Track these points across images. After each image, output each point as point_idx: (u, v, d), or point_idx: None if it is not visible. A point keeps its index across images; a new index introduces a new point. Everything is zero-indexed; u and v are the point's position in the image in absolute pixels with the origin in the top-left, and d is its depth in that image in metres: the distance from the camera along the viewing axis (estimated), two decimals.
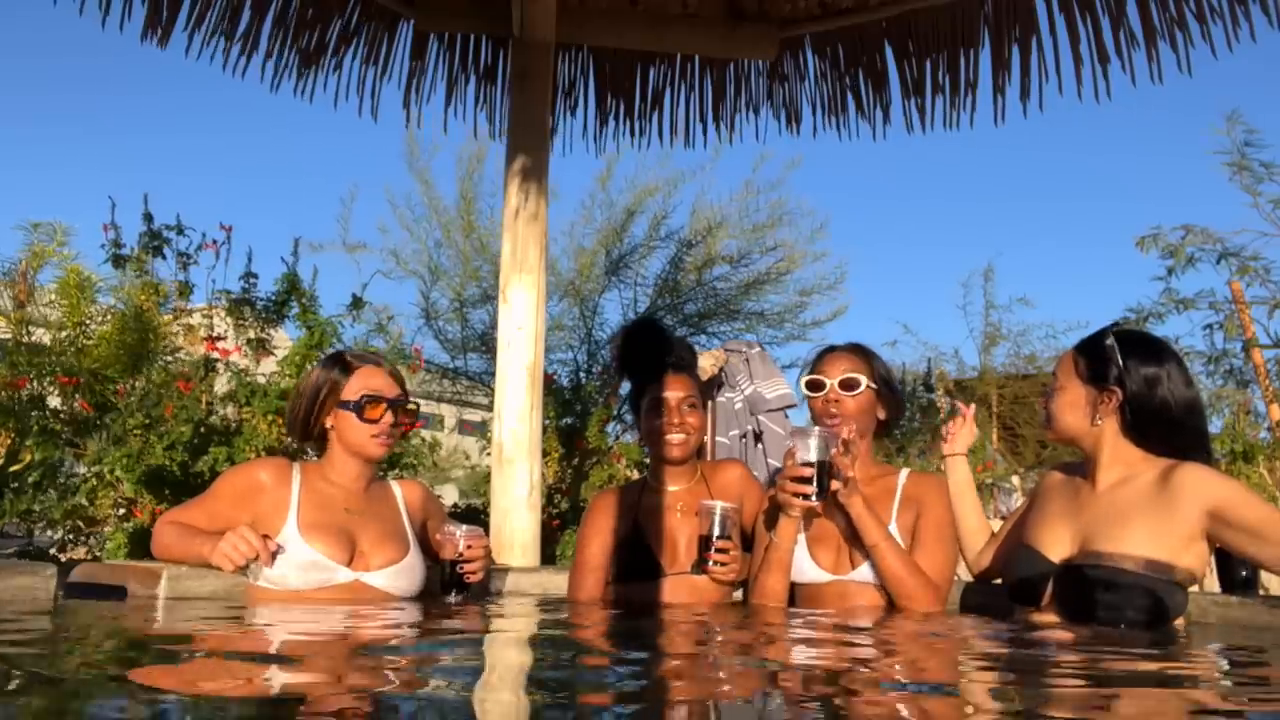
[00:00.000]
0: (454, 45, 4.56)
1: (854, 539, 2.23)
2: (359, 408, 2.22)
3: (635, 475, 4.86)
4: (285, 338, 4.95)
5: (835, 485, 2.13)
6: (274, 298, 4.74)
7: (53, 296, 4.66)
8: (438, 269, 10.06)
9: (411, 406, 2.32)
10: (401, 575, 2.19)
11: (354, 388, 2.24)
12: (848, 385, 2.30)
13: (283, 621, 1.87)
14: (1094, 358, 2.06)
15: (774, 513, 2.26)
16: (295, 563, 2.08)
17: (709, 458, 5.00)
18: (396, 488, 2.40)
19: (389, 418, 2.24)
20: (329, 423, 2.27)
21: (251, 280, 4.79)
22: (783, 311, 10.45)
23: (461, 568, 2.25)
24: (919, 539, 2.21)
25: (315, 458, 2.38)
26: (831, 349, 2.43)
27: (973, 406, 2.57)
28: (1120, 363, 2.03)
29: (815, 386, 2.34)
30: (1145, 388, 2.02)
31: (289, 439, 3.99)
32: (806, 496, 2.13)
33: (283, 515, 2.14)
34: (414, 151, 10.01)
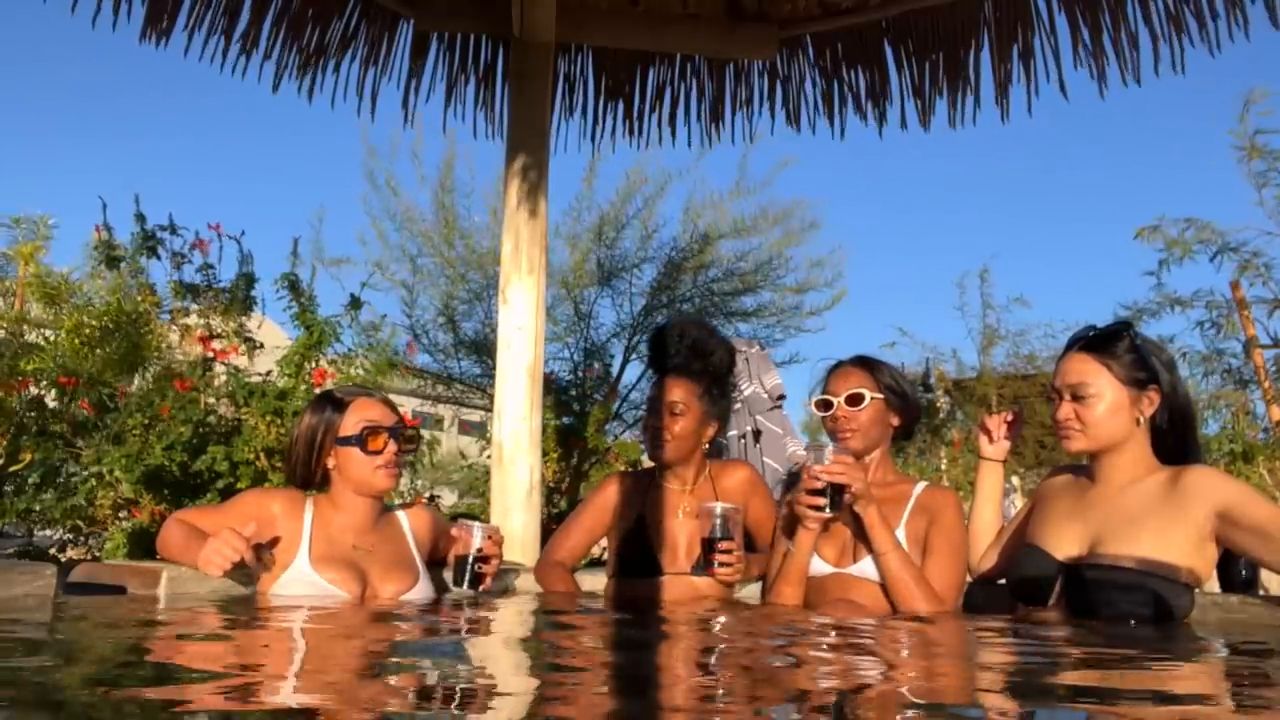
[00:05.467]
0: (454, 45, 4.56)
1: (857, 534, 2.24)
2: (361, 440, 2.19)
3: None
4: (284, 336, 4.96)
5: (850, 495, 2.14)
6: (232, 283, 4.74)
7: (33, 295, 4.67)
8: (424, 273, 10.00)
9: (411, 432, 2.31)
10: None
11: (351, 422, 2.22)
12: (853, 401, 2.31)
13: (283, 622, 1.87)
14: (1128, 358, 2.03)
15: (791, 522, 2.27)
16: (308, 595, 2.09)
17: (725, 456, 5.01)
18: (403, 517, 2.39)
19: (392, 446, 2.22)
20: (330, 463, 2.24)
21: (210, 271, 4.80)
22: (781, 306, 10.39)
23: (480, 566, 2.26)
24: (930, 551, 2.20)
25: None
26: (838, 365, 2.44)
27: (1021, 408, 2.48)
28: (1155, 362, 2.03)
29: (824, 406, 2.36)
30: (1172, 388, 2.03)
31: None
32: (820, 509, 2.16)
33: (295, 548, 2.15)
34: (386, 157, 9.92)
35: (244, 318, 4.75)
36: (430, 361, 10.08)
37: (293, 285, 4.67)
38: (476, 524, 2.29)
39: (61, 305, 4.56)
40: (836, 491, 2.14)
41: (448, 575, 2.42)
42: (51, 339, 4.59)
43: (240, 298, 4.72)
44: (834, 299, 10.33)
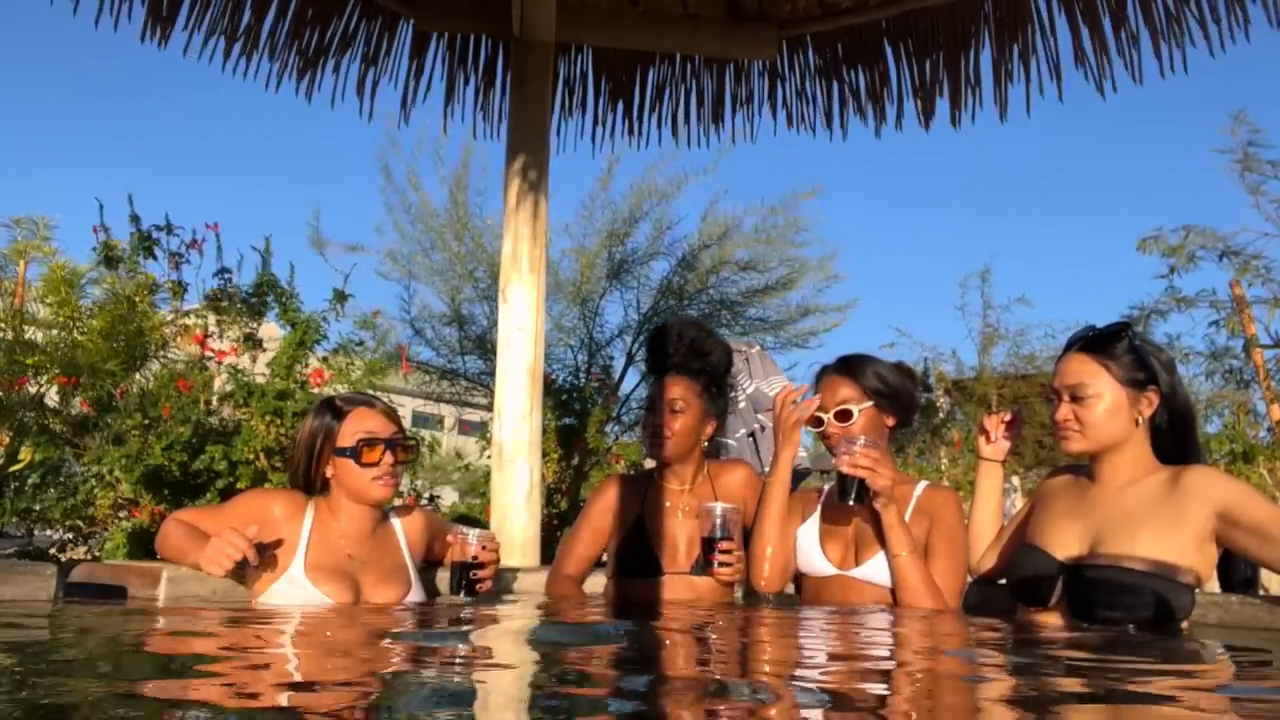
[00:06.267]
0: (454, 45, 4.56)
1: (862, 537, 2.24)
2: (356, 453, 2.20)
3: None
4: (280, 333, 4.95)
5: (874, 492, 2.14)
6: (251, 290, 4.74)
7: (38, 294, 4.68)
8: (433, 268, 10.04)
9: (410, 443, 2.32)
10: None
11: (349, 432, 2.22)
12: (842, 417, 2.32)
13: (281, 625, 1.87)
14: (1127, 359, 2.03)
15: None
16: (301, 603, 2.10)
17: (724, 455, 5.01)
18: (397, 523, 2.39)
19: (388, 458, 2.22)
20: (329, 471, 2.25)
21: (226, 275, 4.79)
22: (781, 321, 10.44)
23: (475, 573, 2.25)
24: (932, 552, 2.20)
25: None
26: (824, 372, 2.41)
27: (1020, 409, 2.48)
28: (1153, 362, 2.03)
29: (815, 423, 2.36)
30: (1171, 388, 2.03)
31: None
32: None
33: (291, 554, 2.15)
34: (402, 153, 9.98)
35: (256, 324, 4.75)
36: (435, 357, 10.12)
37: (270, 284, 4.65)
38: (472, 531, 2.28)
39: (68, 296, 4.57)
40: (862, 484, 2.14)
41: (443, 576, 2.42)
42: (53, 336, 4.60)
43: (259, 304, 4.73)
44: (833, 323, 10.41)
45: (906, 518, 2.23)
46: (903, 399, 2.38)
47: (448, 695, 1.11)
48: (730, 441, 5.52)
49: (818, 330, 10.45)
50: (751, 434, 5.53)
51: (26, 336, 4.65)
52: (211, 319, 4.73)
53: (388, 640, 1.68)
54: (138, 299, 4.57)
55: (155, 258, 4.76)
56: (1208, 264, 7.08)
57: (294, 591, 2.11)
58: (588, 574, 2.60)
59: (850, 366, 2.38)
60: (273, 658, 1.45)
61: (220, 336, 4.65)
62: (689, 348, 2.53)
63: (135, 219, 4.71)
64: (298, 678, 1.24)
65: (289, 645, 1.60)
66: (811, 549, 2.31)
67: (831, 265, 10.32)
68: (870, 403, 2.32)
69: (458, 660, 1.47)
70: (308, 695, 1.10)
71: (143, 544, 3.82)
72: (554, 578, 2.59)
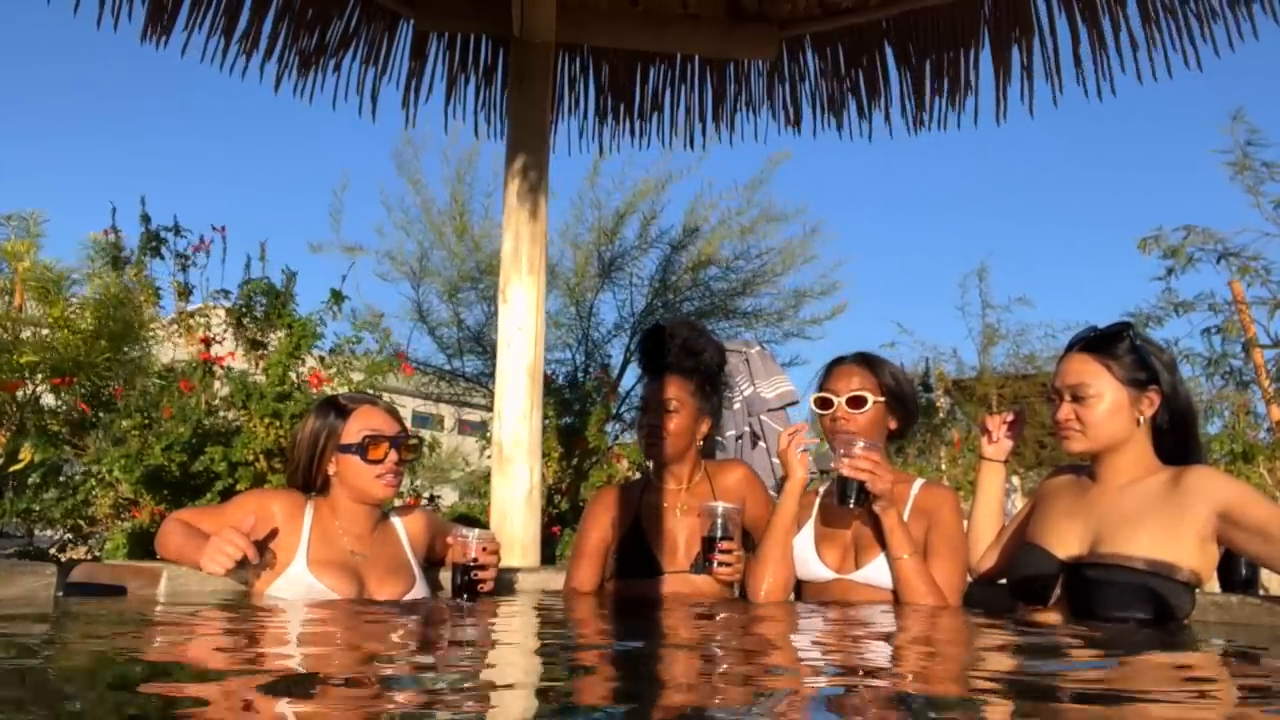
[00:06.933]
0: (454, 45, 4.55)
1: (861, 540, 2.24)
2: (361, 449, 2.20)
3: (636, 475, 4.87)
4: (281, 334, 4.94)
5: (875, 496, 2.13)
6: (269, 300, 4.72)
7: (28, 294, 4.68)
8: (433, 270, 10.03)
9: (413, 442, 2.32)
10: None
11: (353, 429, 2.23)
12: (855, 403, 2.31)
13: (282, 622, 1.87)
14: (1128, 359, 2.03)
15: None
16: (305, 598, 2.10)
17: (720, 455, 5.02)
18: (398, 522, 2.40)
19: (393, 456, 2.23)
20: (331, 469, 2.25)
21: (249, 284, 4.79)
22: (780, 311, 10.41)
23: (476, 574, 2.26)
24: (931, 552, 2.20)
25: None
26: (840, 361, 2.42)
27: (1022, 409, 2.48)
28: (1155, 362, 2.03)
29: (824, 404, 2.35)
30: (1173, 388, 2.03)
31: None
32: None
33: (292, 551, 2.15)
34: (409, 153, 9.95)
35: (272, 333, 4.74)
36: (437, 351, 10.11)
37: (268, 290, 4.65)
38: (472, 532, 2.28)
39: (53, 299, 4.57)
40: (861, 487, 2.13)
41: (445, 576, 2.42)
42: (46, 335, 4.59)
43: (279, 310, 4.70)
44: (834, 310, 10.36)
45: (904, 517, 2.23)
46: (909, 405, 2.39)
47: (446, 694, 1.11)
48: (720, 440, 5.53)
49: (820, 319, 10.40)
50: (740, 436, 5.54)
51: (22, 337, 4.65)
52: (228, 323, 4.72)
53: (391, 638, 1.68)
54: (123, 299, 4.56)
55: (162, 257, 4.77)
56: (1206, 266, 7.07)
57: (297, 588, 2.11)
58: (599, 586, 2.58)
59: (868, 359, 2.40)
60: (271, 658, 1.45)
61: (235, 343, 4.65)
62: (681, 347, 2.54)
63: (146, 219, 4.73)
64: (298, 678, 1.24)
65: (288, 645, 1.60)
66: (809, 555, 2.30)
67: (813, 226, 10.24)
68: (884, 398, 2.33)
69: (457, 659, 1.47)
70: (307, 696, 1.10)
71: (143, 544, 3.81)
72: (566, 598, 2.58)
